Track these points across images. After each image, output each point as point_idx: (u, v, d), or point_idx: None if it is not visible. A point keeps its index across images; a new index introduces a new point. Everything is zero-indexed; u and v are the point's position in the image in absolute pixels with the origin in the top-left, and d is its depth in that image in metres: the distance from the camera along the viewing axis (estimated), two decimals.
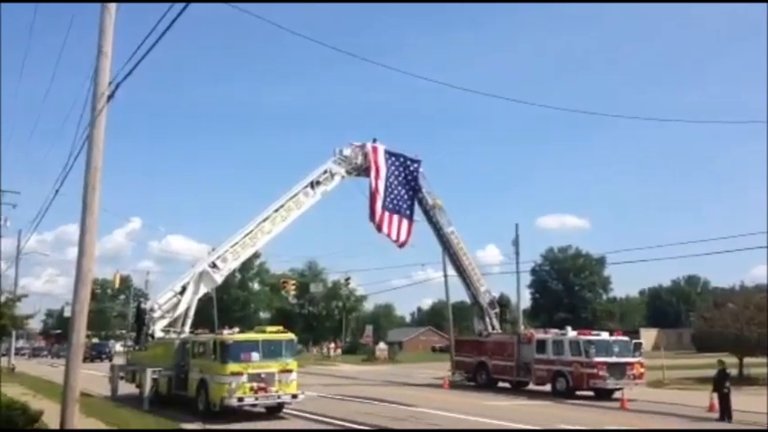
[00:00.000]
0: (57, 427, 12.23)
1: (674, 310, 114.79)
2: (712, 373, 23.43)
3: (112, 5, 12.85)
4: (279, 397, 20.28)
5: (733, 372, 27.55)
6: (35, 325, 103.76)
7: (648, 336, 78.01)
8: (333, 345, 76.41)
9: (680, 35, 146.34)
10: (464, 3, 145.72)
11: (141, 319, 26.47)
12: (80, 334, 12.44)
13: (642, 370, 28.61)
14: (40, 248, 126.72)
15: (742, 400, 22.87)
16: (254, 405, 20.28)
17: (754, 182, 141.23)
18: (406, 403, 24.64)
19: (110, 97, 12.78)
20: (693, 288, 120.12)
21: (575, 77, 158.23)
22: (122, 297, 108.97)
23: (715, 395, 21.72)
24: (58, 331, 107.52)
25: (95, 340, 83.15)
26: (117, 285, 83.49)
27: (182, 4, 10.24)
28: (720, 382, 21.53)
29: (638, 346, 29.24)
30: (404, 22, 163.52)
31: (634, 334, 43.27)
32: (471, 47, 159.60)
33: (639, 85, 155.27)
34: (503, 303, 36.99)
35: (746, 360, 36.41)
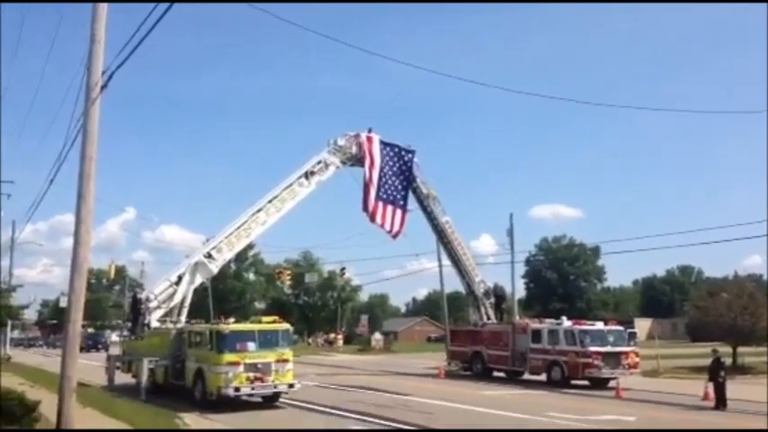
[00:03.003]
0: (54, 416, 12.23)
1: (668, 299, 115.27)
2: (706, 362, 23.57)
3: None
4: (275, 386, 20.36)
5: (727, 361, 27.71)
6: (30, 315, 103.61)
7: (643, 325, 78.39)
8: (335, 334, 76.68)
9: (674, 25, 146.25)
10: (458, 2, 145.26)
11: (137, 309, 26.45)
12: (76, 324, 12.43)
13: (637, 359, 28.78)
14: (35, 238, 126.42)
15: (736, 389, 23.04)
16: (250, 395, 20.33)
17: (747, 172, 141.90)
18: (401, 392, 24.75)
19: (103, 87, 12.73)
20: (687, 278, 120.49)
21: (568, 67, 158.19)
22: (117, 287, 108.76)
23: (710, 384, 21.86)
24: (53, 321, 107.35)
25: (91, 330, 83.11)
26: (112, 275, 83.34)
27: None
28: (715, 371, 21.65)
29: (632, 336, 29.46)
30: (398, 13, 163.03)
31: (628, 323, 43.57)
32: (465, 37, 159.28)
33: (633, 75, 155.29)
34: (498, 293, 37.04)
35: (740, 349, 36.63)
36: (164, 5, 10.41)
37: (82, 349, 16.73)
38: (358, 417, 18.36)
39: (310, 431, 16.56)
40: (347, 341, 76.76)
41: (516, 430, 16.87)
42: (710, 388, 21.84)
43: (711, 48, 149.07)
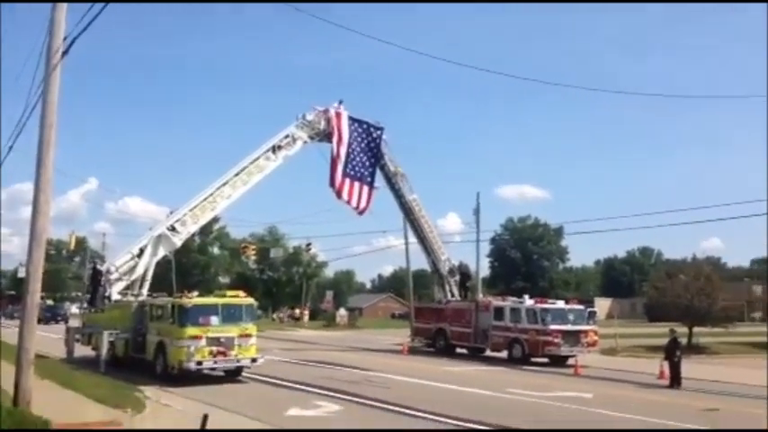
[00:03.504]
0: (11, 388, 12.04)
1: (627, 280, 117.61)
2: (663, 341, 24.17)
3: None
4: (238, 361, 20.32)
5: (683, 341, 28.44)
6: None
7: (603, 305, 79.85)
8: (301, 310, 76.67)
9: (639, 7, 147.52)
10: None
11: (96, 281, 26.04)
12: (34, 295, 12.24)
13: (596, 338, 29.38)
14: None
15: (691, 368, 23.68)
16: (212, 369, 20.23)
17: (708, 154, 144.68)
18: (364, 368, 24.92)
19: (64, 53, 12.41)
20: (647, 259, 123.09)
21: (535, 47, 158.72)
22: (78, 259, 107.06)
23: (666, 363, 22.42)
24: (11, 292, 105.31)
25: (50, 302, 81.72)
26: (72, 247, 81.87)
27: None
28: (672, 351, 22.21)
29: (592, 315, 30.01)
30: None
31: (589, 303, 44.33)
32: (431, 14, 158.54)
33: (598, 56, 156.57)
34: (463, 271, 37.39)
35: (696, 329, 37.60)
36: None
37: (40, 321, 16.45)
38: (321, 391, 18.44)
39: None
40: (312, 317, 76.87)
41: None
42: (666, 367, 22.41)
43: (672, 25, 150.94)
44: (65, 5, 12.51)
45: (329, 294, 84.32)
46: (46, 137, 12.30)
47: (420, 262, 40.89)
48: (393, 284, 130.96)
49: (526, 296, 31.92)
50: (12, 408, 11.47)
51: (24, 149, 18.18)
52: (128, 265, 25.80)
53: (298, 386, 19.61)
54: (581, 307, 30.61)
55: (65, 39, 12.43)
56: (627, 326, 53.41)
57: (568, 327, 28.29)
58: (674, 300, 37.49)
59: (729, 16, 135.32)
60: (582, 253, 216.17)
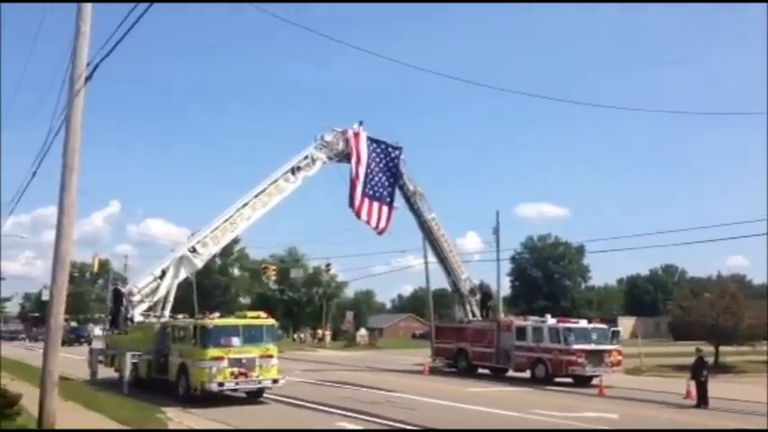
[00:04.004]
0: (35, 410, 12.12)
1: (651, 298, 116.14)
2: (689, 360, 23.77)
3: None
4: (259, 382, 20.31)
5: (709, 360, 27.97)
6: (13, 308, 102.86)
7: (626, 324, 78.93)
8: (323, 331, 76.58)
9: (662, 22, 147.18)
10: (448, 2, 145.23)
11: (117, 303, 26.25)
12: (58, 317, 12.34)
13: (620, 357, 28.96)
14: (17, 231, 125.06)
15: (718, 388, 23.25)
16: (234, 390, 20.25)
17: (732, 172, 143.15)
18: (385, 388, 24.77)
19: (87, 78, 12.62)
20: (670, 277, 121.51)
21: (554, 66, 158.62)
22: (101, 281, 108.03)
23: (692, 382, 22.04)
24: (35, 315, 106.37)
25: (74, 324, 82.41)
26: (95, 269, 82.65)
27: None
28: (698, 370, 21.84)
29: (615, 334, 29.62)
30: (394, 11, 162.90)
31: (612, 322, 43.82)
32: (451, 34, 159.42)
33: (617, 75, 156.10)
34: (484, 291, 37.18)
35: (722, 348, 36.98)
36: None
37: (64, 343, 16.63)
38: (343, 413, 18.34)
39: (305, 431, 16.37)
40: (334, 337, 76.75)
41: (510, 430, 16.83)
42: (693, 386, 22.03)
43: (698, 45, 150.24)
44: (87, 32, 12.74)
45: (349, 315, 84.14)
46: (69, 161, 12.47)
47: (440, 281, 40.75)
48: (413, 304, 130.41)
49: (548, 315, 31.62)
50: (37, 429, 11.55)
51: (49, 174, 18.44)
52: (150, 286, 25.98)
53: (319, 407, 19.52)
54: (604, 326, 30.25)
55: (88, 64, 12.65)
56: (651, 345, 52.67)
57: (592, 346, 27.94)
58: (700, 318, 36.95)
59: (752, 32, 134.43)
60: (604, 271, 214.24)
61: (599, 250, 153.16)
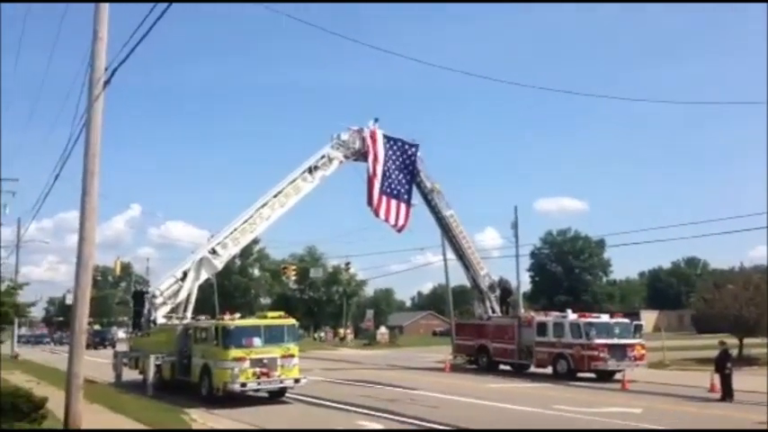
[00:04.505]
0: (61, 413, 12.27)
1: (674, 291, 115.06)
2: (713, 353, 23.52)
3: None
4: (281, 382, 20.42)
5: (733, 352, 27.65)
6: (37, 313, 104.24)
7: (649, 317, 78.31)
8: (345, 330, 76.76)
9: (679, 9, 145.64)
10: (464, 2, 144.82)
11: (139, 305, 26.51)
12: (82, 321, 12.47)
13: (643, 351, 28.71)
14: (40, 236, 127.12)
15: (742, 380, 22.98)
16: (256, 390, 20.38)
17: (753, 162, 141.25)
18: (407, 386, 24.77)
19: (106, 83, 12.73)
20: (693, 270, 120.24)
21: (572, 58, 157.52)
22: (123, 284, 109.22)
23: (716, 376, 21.81)
24: (59, 318, 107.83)
25: (97, 327, 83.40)
26: (118, 272, 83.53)
27: None
28: (722, 363, 21.59)
29: (638, 328, 29.36)
30: (410, 10, 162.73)
31: (634, 316, 43.51)
32: (468, 30, 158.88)
33: (635, 66, 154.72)
34: (504, 287, 37.04)
35: (746, 341, 36.55)
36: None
37: (88, 346, 16.80)
38: (365, 411, 18.37)
39: (328, 431, 16.39)
40: (355, 336, 76.92)
41: (533, 430, 16.74)
42: (717, 379, 21.80)
43: (716, 29, 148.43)
44: (105, 37, 12.85)
45: (369, 313, 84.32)
46: (90, 166, 12.59)
47: (460, 278, 40.64)
48: (433, 301, 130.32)
49: (569, 310, 31.43)
50: (63, 431, 11.69)
51: (70, 178, 18.63)
52: (171, 288, 26.20)
53: (341, 406, 19.56)
54: (626, 320, 30.01)
55: (106, 69, 12.77)
56: (675, 338, 52.19)
57: (614, 341, 27.73)
58: (723, 311, 36.53)
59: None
60: (625, 265, 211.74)
61: (620, 244, 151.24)
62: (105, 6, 12.81)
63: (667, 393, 23.15)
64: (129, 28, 11.64)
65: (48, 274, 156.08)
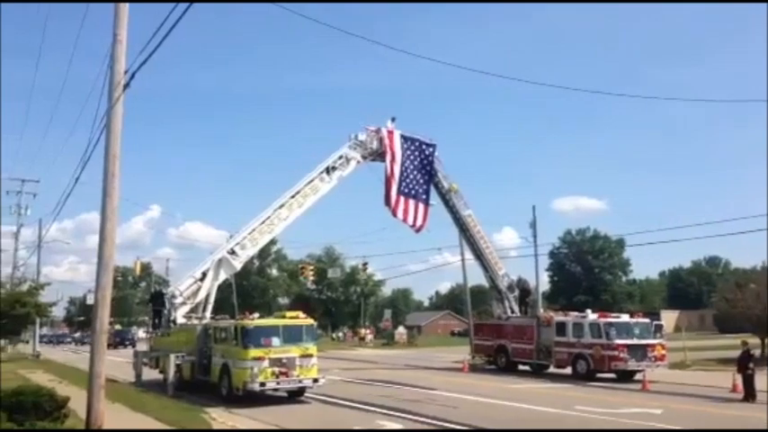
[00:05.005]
0: (83, 412, 12.39)
1: (695, 291, 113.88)
2: (734, 354, 23.25)
3: None
4: (300, 381, 20.48)
5: (755, 352, 27.30)
6: (58, 313, 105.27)
7: (670, 317, 77.53)
8: (365, 330, 76.83)
9: (698, 10, 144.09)
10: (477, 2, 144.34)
11: (158, 305, 26.72)
12: (103, 321, 12.57)
13: (663, 351, 28.45)
14: (61, 237, 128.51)
15: (765, 381, 22.66)
16: (276, 389, 20.46)
17: None
18: (426, 386, 24.75)
19: (126, 86, 12.82)
20: (714, 269, 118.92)
21: (591, 57, 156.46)
22: (143, 284, 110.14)
23: (738, 376, 21.57)
24: (80, 318, 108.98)
25: (118, 327, 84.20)
26: (138, 272, 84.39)
27: None
28: (744, 363, 21.35)
29: (658, 328, 29.10)
30: (423, 11, 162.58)
31: (654, 316, 43.10)
32: (484, 29, 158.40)
33: (656, 65, 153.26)
34: (522, 287, 36.88)
35: None
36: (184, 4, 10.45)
37: (109, 346, 16.94)
38: (384, 411, 18.37)
39: (348, 431, 16.39)
40: (375, 336, 77.01)
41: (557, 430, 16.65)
42: (739, 380, 21.56)
43: (734, 28, 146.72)
44: (125, 40, 12.94)
45: (387, 313, 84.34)
46: (111, 167, 12.69)
47: (478, 278, 40.55)
48: (451, 301, 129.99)
49: (588, 310, 31.21)
50: (85, 430, 11.81)
51: (91, 180, 18.82)
52: (191, 288, 26.40)
53: (360, 406, 19.59)
54: (646, 320, 29.76)
55: (126, 72, 12.86)
56: (696, 338, 51.66)
57: (634, 341, 27.51)
58: (745, 310, 36.11)
59: None
60: (645, 265, 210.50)
61: (639, 243, 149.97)
62: (125, 7, 12.87)
63: (689, 394, 22.91)
64: (148, 30, 11.73)
65: (68, 275, 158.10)
